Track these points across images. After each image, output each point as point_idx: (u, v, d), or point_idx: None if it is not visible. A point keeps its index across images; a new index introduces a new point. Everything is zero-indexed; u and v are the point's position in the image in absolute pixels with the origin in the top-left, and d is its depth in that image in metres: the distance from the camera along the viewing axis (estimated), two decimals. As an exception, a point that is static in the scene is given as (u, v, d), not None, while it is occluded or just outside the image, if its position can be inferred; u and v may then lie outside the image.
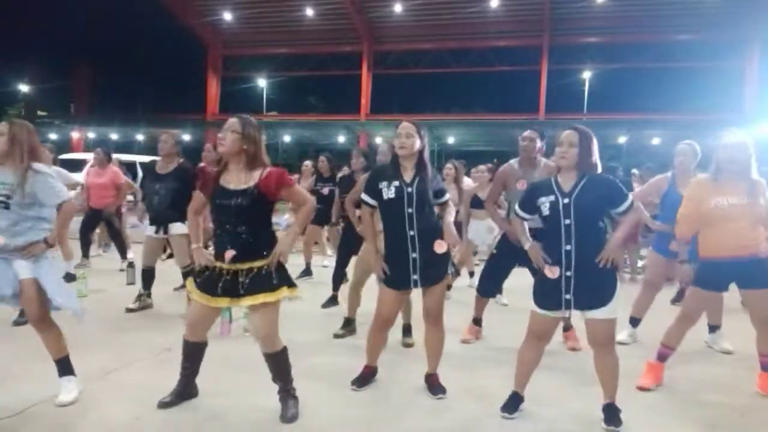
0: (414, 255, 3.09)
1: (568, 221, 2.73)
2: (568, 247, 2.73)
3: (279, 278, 2.77)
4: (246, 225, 2.74)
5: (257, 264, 2.74)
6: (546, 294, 2.85)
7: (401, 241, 3.10)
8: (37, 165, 2.95)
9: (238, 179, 2.76)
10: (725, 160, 3.29)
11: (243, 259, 2.74)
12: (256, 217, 2.77)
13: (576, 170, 2.78)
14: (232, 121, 2.79)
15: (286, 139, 28.31)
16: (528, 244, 2.93)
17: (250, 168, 2.77)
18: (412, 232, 3.08)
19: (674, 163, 4.24)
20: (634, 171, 10.47)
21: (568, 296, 2.77)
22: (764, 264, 3.30)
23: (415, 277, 3.12)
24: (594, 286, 2.75)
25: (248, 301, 2.73)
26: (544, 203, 2.80)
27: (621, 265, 2.85)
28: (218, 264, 2.78)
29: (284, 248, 2.77)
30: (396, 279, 3.17)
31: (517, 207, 3.04)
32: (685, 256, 3.51)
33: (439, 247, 3.10)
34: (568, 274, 2.75)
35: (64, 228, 3.07)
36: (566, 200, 2.74)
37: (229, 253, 2.72)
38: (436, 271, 3.14)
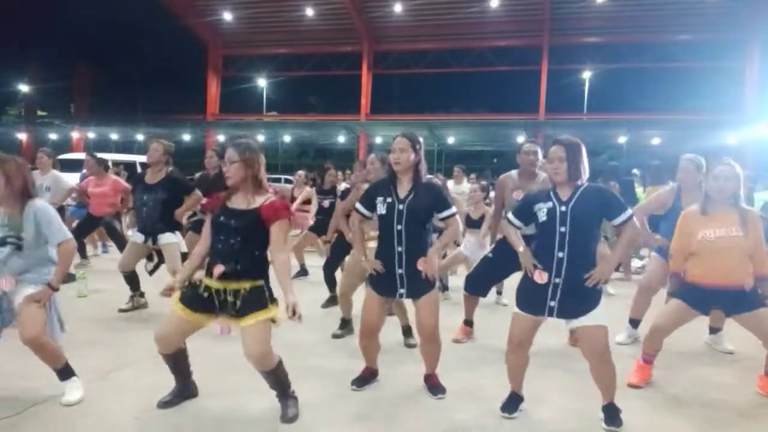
0: (400, 271, 3.10)
1: (563, 229, 2.74)
2: (561, 255, 2.74)
3: (268, 298, 2.76)
4: (241, 245, 2.73)
5: (244, 285, 2.73)
6: (530, 297, 2.86)
7: (389, 256, 3.11)
8: (37, 202, 2.96)
9: (242, 201, 2.79)
10: (714, 190, 3.30)
11: (231, 278, 2.72)
12: (252, 239, 2.76)
13: (571, 181, 2.80)
14: (230, 152, 2.80)
15: (286, 139, 28.31)
16: (521, 247, 2.93)
17: (256, 192, 2.79)
18: (399, 249, 3.08)
19: (677, 177, 4.23)
20: (635, 171, 10.47)
21: (552, 303, 2.79)
22: (747, 292, 3.28)
23: (402, 291, 3.14)
24: (579, 295, 2.76)
25: (237, 322, 2.73)
26: (542, 209, 2.81)
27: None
28: (206, 281, 2.78)
29: (293, 299, 2.68)
30: (382, 288, 3.19)
31: (510, 215, 3.03)
32: (675, 288, 3.52)
33: (422, 264, 3.08)
34: (557, 280, 2.76)
35: (66, 267, 3.06)
36: (563, 208, 2.76)
37: (218, 269, 2.71)
38: (422, 285, 3.12)
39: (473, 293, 4.39)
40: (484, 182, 6.22)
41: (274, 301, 2.79)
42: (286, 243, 2.86)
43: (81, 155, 13.26)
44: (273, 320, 2.75)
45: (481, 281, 4.33)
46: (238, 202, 2.80)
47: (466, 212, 6.01)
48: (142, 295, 5.09)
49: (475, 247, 5.70)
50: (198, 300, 2.77)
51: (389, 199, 3.10)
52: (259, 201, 2.77)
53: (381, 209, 3.12)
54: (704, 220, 3.33)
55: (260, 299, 2.73)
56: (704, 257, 3.31)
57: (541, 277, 2.79)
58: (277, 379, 2.89)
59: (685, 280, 3.45)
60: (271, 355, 2.80)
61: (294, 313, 2.64)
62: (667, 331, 3.48)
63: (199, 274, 2.83)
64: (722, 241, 3.26)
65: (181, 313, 2.79)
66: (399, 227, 3.07)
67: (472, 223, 5.82)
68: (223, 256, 2.74)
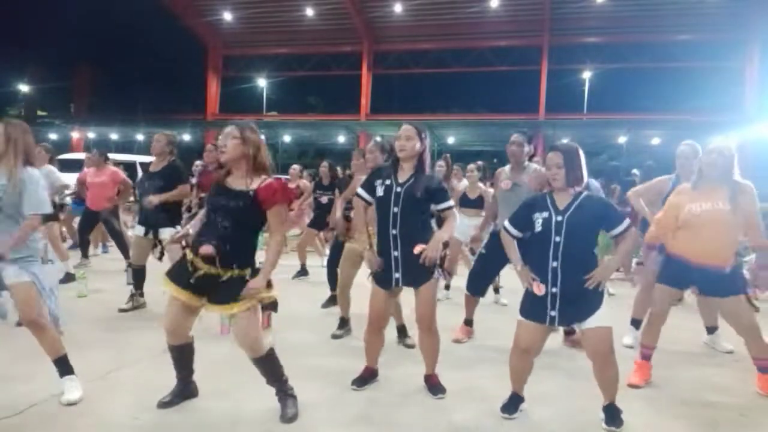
0: (395, 253, 3.11)
1: (558, 238, 2.74)
2: (555, 264, 2.75)
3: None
4: (234, 227, 2.73)
5: (230, 274, 2.73)
6: (531, 305, 2.86)
7: (385, 240, 3.13)
8: (31, 170, 2.93)
9: (240, 183, 2.78)
10: (707, 164, 3.32)
11: (219, 262, 2.72)
12: (246, 221, 2.76)
13: (569, 188, 2.80)
14: (230, 128, 2.80)
15: (286, 139, 28.29)
16: (519, 266, 2.93)
17: (254, 173, 2.78)
18: (394, 231, 3.10)
19: (676, 165, 4.23)
20: (635, 171, 10.46)
21: (553, 313, 2.79)
22: (727, 274, 3.30)
23: (397, 275, 3.14)
24: (578, 302, 2.76)
25: (224, 310, 2.74)
26: (538, 219, 2.81)
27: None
28: (193, 258, 2.77)
29: (256, 284, 2.71)
30: (381, 276, 3.20)
31: (507, 223, 3.03)
32: (647, 260, 3.54)
33: (418, 249, 3.08)
34: (554, 290, 2.77)
35: (24, 239, 2.89)
36: (560, 217, 2.77)
37: (206, 248, 2.70)
38: (419, 273, 3.12)
39: (472, 294, 4.42)
40: (480, 163, 6.29)
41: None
42: (284, 225, 2.87)
43: (81, 155, 13.23)
44: (266, 302, 2.76)
45: (478, 280, 4.37)
46: (236, 183, 2.79)
47: (462, 191, 6.05)
48: (141, 294, 5.10)
49: (469, 230, 5.74)
50: (183, 276, 2.77)
51: (388, 182, 3.14)
52: (256, 182, 2.75)
53: (379, 191, 3.15)
54: (693, 194, 3.36)
55: (241, 286, 2.72)
56: (688, 231, 3.34)
57: (539, 289, 2.79)
58: (269, 367, 2.89)
59: (667, 253, 3.48)
60: (261, 341, 2.82)
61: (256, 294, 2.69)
62: (661, 317, 3.52)
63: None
64: (707, 215, 3.27)
65: (170, 289, 2.79)
66: (395, 209, 3.09)
67: (469, 203, 5.86)
68: (213, 236, 2.73)
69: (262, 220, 2.80)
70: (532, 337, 2.89)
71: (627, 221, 2.81)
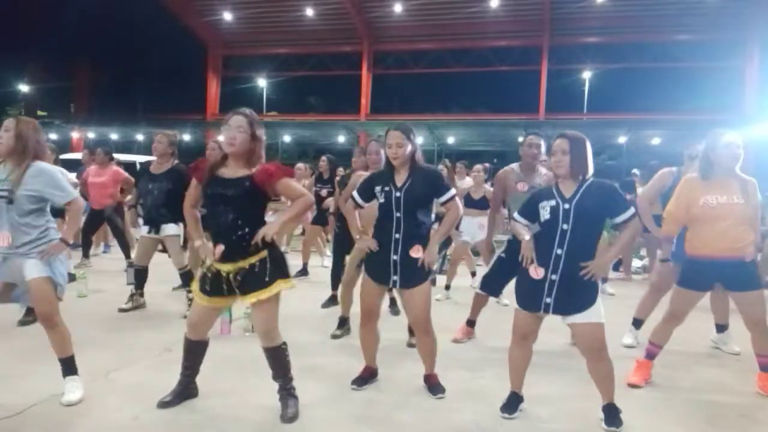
0: (395, 257, 3.12)
1: (565, 226, 2.74)
2: (559, 252, 2.75)
3: (273, 273, 2.77)
4: (238, 219, 2.73)
5: (249, 261, 2.75)
6: (527, 294, 2.87)
7: (386, 243, 3.13)
8: (42, 163, 2.96)
9: (234, 172, 2.79)
10: (728, 158, 3.28)
11: (234, 257, 2.75)
12: (248, 210, 2.77)
13: (573, 176, 2.80)
14: (240, 120, 2.77)
15: (286, 139, 28.27)
16: (527, 236, 2.90)
17: (249, 163, 2.79)
18: (397, 236, 3.10)
19: (684, 163, 4.22)
20: (635, 171, 10.46)
21: (548, 300, 2.79)
22: (749, 266, 3.30)
23: (395, 278, 3.15)
24: (575, 292, 2.76)
25: (246, 299, 2.78)
26: (545, 207, 2.81)
27: (605, 275, 2.68)
28: (215, 265, 2.80)
29: (268, 230, 2.71)
30: (376, 273, 3.21)
31: (516, 214, 3.04)
32: (667, 255, 3.53)
33: (415, 252, 3.10)
34: (554, 277, 2.77)
35: (77, 225, 3.10)
36: (567, 205, 2.76)
37: (219, 248, 2.73)
38: (417, 275, 3.13)
39: (487, 292, 4.39)
40: (486, 164, 6.31)
41: (279, 273, 2.79)
42: (302, 194, 2.84)
43: (81, 155, 13.23)
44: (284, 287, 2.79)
45: (495, 281, 4.32)
46: (230, 172, 2.79)
47: (466, 190, 6.07)
48: (141, 294, 5.10)
49: (474, 229, 5.75)
50: (209, 285, 2.83)
51: (387, 188, 3.15)
52: (251, 169, 2.77)
53: (380, 198, 3.16)
54: (706, 186, 3.32)
55: (266, 275, 2.74)
56: (704, 224, 3.31)
57: (536, 272, 2.80)
58: (279, 359, 2.91)
59: (685, 255, 3.45)
60: (277, 331, 2.87)
61: (262, 238, 2.68)
62: (678, 319, 3.49)
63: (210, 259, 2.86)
64: (723, 208, 3.26)
65: (199, 300, 2.89)
66: (398, 214, 3.10)
67: (473, 203, 5.88)
68: (223, 233, 2.74)
69: (263, 204, 2.85)
70: (529, 325, 2.91)
71: (632, 209, 2.80)
